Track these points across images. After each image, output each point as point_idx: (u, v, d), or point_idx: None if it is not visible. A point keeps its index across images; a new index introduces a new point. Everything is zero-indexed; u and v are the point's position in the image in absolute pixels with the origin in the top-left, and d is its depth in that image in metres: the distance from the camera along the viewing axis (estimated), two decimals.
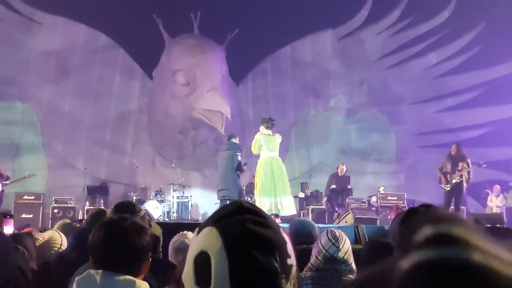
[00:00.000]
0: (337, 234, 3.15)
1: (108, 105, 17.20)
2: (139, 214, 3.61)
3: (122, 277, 2.02)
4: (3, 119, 16.12)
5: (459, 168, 12.22)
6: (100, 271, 2.04)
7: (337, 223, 11.42)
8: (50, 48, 16.92)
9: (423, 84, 17.54)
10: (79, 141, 16.69)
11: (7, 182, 14.25)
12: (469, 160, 12.43)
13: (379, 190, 14.61)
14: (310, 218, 13.44)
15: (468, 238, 0.49)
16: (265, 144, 10.07)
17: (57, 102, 16.74)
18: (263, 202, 9.89)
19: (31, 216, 14.04)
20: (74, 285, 2.03)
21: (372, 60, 18.02)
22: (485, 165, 12.76)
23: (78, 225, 5.66)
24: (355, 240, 7.92)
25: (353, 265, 3.15)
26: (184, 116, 16.01)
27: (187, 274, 1.08)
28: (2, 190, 14.13)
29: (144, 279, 2.14)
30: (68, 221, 5.61)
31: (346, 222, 11.39)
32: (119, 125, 17.26)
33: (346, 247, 3.13)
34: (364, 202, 14.22)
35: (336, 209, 13.53)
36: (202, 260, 1.04)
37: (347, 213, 11.97)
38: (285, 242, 1.07)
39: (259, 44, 17.36)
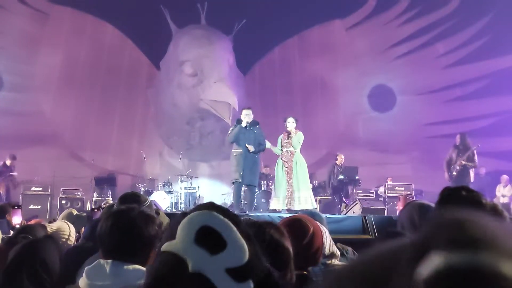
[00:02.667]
0: None
1: (115, 95, 17.22)
2: (144, 204, 3.60)
3: (131, 267, 2.03)
4: (11, 110, 16.15)
5: (460, 156, 12.34)
6: (109, 260, 2.04)
7: (345, 214, 11.42)
8: (57, 39, 16.95)
9: (431, 74, 17.45)
10: (87, 132, 16.73)
11: (14, 173, 14.34)
12: (474, 149, 12.50)
13: (387, 180, 14.58)
14: (318, 209, 13.46)
15: (503, 272, 0.40)
16: None
17: (64, 93, 16.76)
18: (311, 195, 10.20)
19: (39, 207, 14.09)
20: (84, 274, 2.04)
21: (380, 50, 17.94)
22: (479, 146, 12.80)
23: (84, 214, 5.63)
24: (363, 230, 7.93)
25: (338, 253, 3.10)
26: (191, 107, 16.02)
27: None
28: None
29: None
30: (73, 210, 5.55)
31: (353, 212, 11.40)
32: (126, 116, 17.29)
33: (328, 240, 3.05)
34: (372, 193, 14.21)
35: (344, 199, 13.53)
36: None
37: (354, 204, 11.98)
38: None
39: (267, 34, 17.30)
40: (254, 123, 10.44)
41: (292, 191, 9.93)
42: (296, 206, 9.69)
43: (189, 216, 1.19)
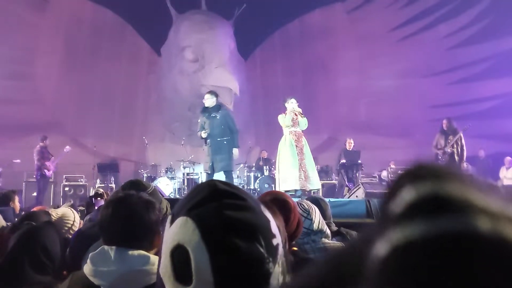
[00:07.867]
0: (306, 206, 3.11)
1: (116, 82, 17.18)
2: (148, 190, 3.57)
3: (136, 252, 2.01)
4: (12, 98, 16.11)
5: (449, 141, 12.25)
6: (113, 247, 2.02)
7: (348, 198, 11.40)
8: (57, 26, 16.88)
9: (433, 56, 17.36)
10: (88, 119, 16.71)
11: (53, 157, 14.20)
12: (461, 133, 12.41)
13: (390, 164, 14.55)
14: (321, 193, 13.46)
15: (469, 198, 0.33)
16: None
17: (66, 80, 16.73)
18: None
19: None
20: (88, 260, 2.02)
21: (382, 33, 17.83)
22: (468, 126, 12.68)
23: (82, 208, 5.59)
24: (367, 214, 7.90)
25: (328, 231, 3.13)
26: (193, 92, 16.00)
27: (165, 269, 1.00)
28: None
29: (157, 254, 2.12)
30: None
31: (356, 196, 11.36)
32: (128, 102, 17.27)
33: (318, 216, 3.09)
34: (375, 177, 14.19)
35: (347, 183, 13.51)
36: (180, 254, 0.97)
37: (357, 188, 11.94)
38: (268, 222, 1.00)
39: (267, 19, 17.23)
40: (216, 108, 10.31)
41: (306, 170, 9.76)
42: (311, 187, 9.70)
43: None
